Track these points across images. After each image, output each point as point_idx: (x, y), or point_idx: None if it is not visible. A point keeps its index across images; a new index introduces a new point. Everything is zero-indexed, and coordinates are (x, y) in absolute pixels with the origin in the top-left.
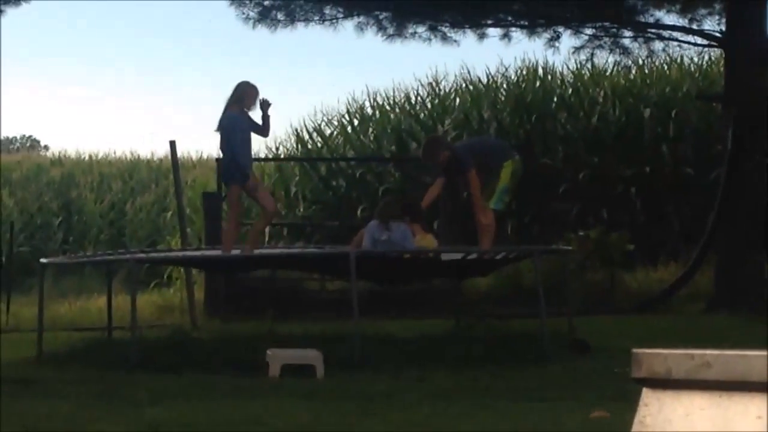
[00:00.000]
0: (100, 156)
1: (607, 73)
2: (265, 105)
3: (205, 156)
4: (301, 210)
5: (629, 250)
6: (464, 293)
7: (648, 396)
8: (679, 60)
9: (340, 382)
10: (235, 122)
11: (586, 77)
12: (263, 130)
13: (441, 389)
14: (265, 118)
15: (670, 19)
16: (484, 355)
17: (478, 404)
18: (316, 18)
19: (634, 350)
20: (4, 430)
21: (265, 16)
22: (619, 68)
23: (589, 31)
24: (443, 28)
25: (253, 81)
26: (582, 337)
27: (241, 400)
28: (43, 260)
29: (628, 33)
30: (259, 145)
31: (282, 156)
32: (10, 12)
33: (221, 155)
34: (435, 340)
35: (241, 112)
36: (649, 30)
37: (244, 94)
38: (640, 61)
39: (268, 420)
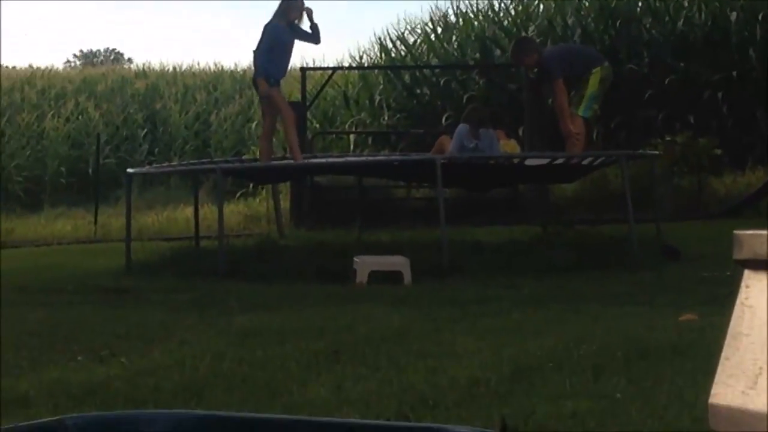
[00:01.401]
0: (183, 67)
1: None
2: (309, 13)
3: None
4: (386, 118)
5: (717, 155)
6: (551, 200)
7: (750, 278)
8: None
9: (428, 288)
10: (273, 32)
11: None
12: (314, 37)
13: (530, 295)
14: (314, 26)
15: None
16: (572, 261)
17: (569, 309)
18: None
19: (736, 232)
20: (95, 337)
21: None
22: None
23: None
24: None
25: None
26: (671, 242)
27: (329, 307)
28: (129, 170)
29: None
30: (343, 54)
31: (366, 65)
32: None
33: None
34: (523, 246)
35: (286, 24)
36: None
37: (287, 8)
38: None
39: (357, 326)
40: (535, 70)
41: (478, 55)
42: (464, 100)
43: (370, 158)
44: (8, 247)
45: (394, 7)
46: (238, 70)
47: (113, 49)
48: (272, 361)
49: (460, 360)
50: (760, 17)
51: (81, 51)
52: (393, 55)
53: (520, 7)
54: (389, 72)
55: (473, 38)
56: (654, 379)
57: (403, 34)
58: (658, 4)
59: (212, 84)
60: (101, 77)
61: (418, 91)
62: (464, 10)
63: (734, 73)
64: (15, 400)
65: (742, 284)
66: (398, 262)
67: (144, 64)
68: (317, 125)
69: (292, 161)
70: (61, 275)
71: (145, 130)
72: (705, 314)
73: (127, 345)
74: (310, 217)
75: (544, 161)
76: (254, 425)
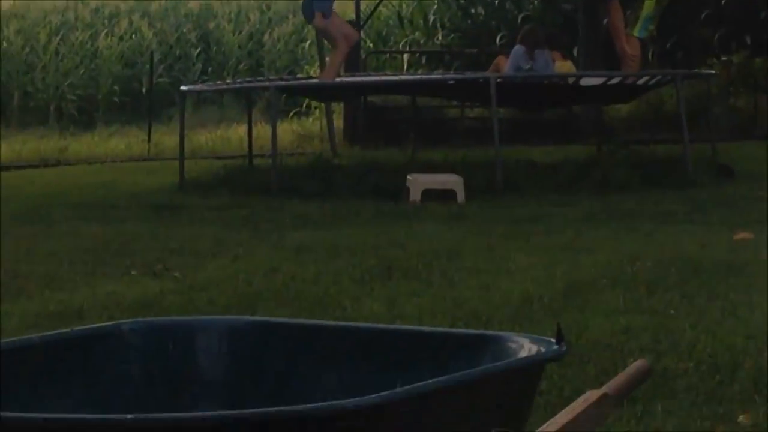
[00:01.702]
0: None
1: None
2: None
3: None
4: (440, 38)
5: None
6: (606, 120)
7: None
8: None
9: (481, 207)
10: None
11: None
12: None
13: (584, 213)
14: None
15: None
16: (627, 179)
17: (623, 227)
18: None
19: None
20: (149, 252)
21: None
22: None
23: None
24: None
25: None
26: (725, 162)
27: (382, 224)
28: (183, 87)
29: None
30: None
31: None
32: None
33: None
34: (578, 165)
35: None
36: None
37: None
38: None
39: (410, 243)
40: None
41: None
42: (519, 20)
43: (425, 77)
44: (62, 165)
45: None
46: None
47: None
48: (325, 276)
49: (513, 276)
50: None
51: None
52: None
53: None
54: None
55: None
56: (708, 296)
57: None
58: None
59: (266, 4)
60: None
61: (473, 10)
62: None
63: None
64: (70, 313)
65: None
66: (451, 181)
67: None
68: (371, 45)
69: (346, 79)
70: (114, 192)
71: (199, 49)
72: (759, 232)
73: (180, 260)
74: (364, 136)
75: (600, 81)
76: (307, 331)
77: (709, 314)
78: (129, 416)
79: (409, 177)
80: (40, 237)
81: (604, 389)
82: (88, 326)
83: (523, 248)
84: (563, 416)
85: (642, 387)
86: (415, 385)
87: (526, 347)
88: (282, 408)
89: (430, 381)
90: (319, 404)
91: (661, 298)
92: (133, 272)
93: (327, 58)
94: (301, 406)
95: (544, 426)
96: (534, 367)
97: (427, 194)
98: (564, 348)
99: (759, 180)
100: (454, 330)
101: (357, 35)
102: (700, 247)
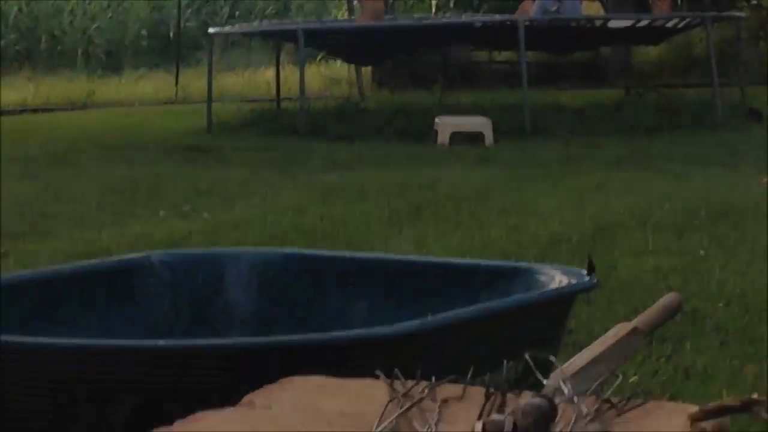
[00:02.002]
0: None
1: None
2: None
3: None
4: None
5: None
6: (634, 64)
7: None
8: None
9: (510, 149)
10: None
11: None
12: None
13: (614, 155)
14: None
15: None
16: (656, 123)
17: (652, 170)
18: None
19: None
20: (177, 193)
21: None
22: None
23: None
24: None
25: None
26: (755, 106)
27: (411, 166)
28: (211, 30)
29: None
30: None
31: None
32: None
33: None
34: (606, 108)
35: None
36: None
37: None
38: None
39: (439, 185)
40: None
41: None
42: None
43: (453, 20)
44: (90, 109)
45: None
46: None
47: None
48: (354, 217)
49: (542, 218)
50: None
51: None
52: None
53: None
54: None
55: None
56: (737, 238)
57: None
58: None
59: None
60: None
61: None
62: None
63: None
64: (98, 253)
65: None
66: (480, 123)
67: None
68: None
69: (374, 23)
70: (142, 135)
71: None
72: None
73: (208, 201)
74: (392, 79)
75: (628, 23)
76: (337, 262)
77: (738, 255)
78: (161, 342)
79: (437, 120)
80: (69, 179)
81: (634, 323)
82: (118, 257)
83: (552, 190)
84: (592, 349)
85: (671, 326)
86: (447, 313)
87: (557, 278)
88: (313, 335)
89: (461, 310)
90: (351, 331)
91: (690, 240)
92: (161, 213)
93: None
94: (333, 333)
95: (574, 358)
96: (565, 298)
97: (456, 137)
98: (595, 280)
99: None
100: (484, 261)
101: None
102: (729, 190)
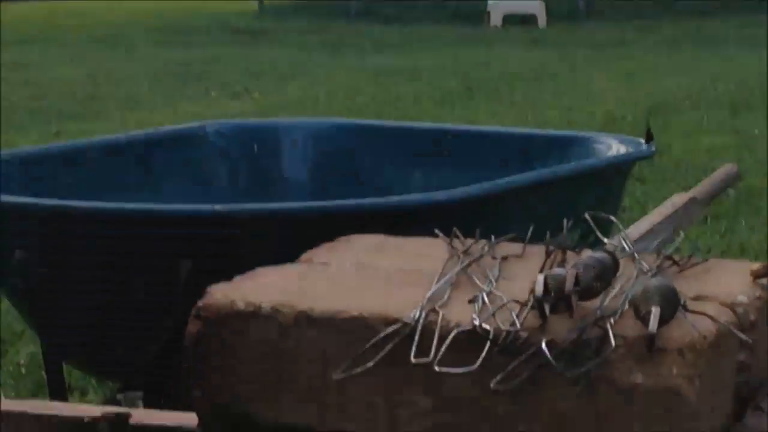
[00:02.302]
0: None
1: None
2: None
3: None
4: None
5: None
6: None
7: None
8: None
9: (563, 31)
10: None
11: None
12: None
13: (667, 38)
14: None
15: None
16: (708, 4)
17: (706, 51)
18: None
19: None
20: (229, 74)
21: None
22: None
23: None
24: None
25: None
26: None
27: (463, 48)
28: None
29: None
30: None
31: None
32: None
33: None
34: None
35: None
36: None
37: None
38: None
39: (492, 66)
40: None
41: None
42: None
43: None
44: None
45: None
46: None
47: None
48: (405, 97)
49: (596, 98)
50: None
51: None
52: None
53: None
54: None
55: None
56: None
57: None
58: None
59: None
60: None
61: None
62: None
63: None
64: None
65: None
66: (533, 5)
67: None
68: None
69: None
70: (195, 17)
71: None
72: None
73: (260, 82)
74: None
75: None
76: (394, 132)
77: None
78: (217, 206)
79: (490, 2)
80: (120, 61)
81: (692, 193)
82: (173, 126)
83: (606, 72)
84: (651, 218)
85: (726, 204)
86: (505, 179)
87: (615, 147)
88: (372, 199)
89: (519, 176)
90: (410, 196)
91: (745, 119)
92: (213, 94)
93: None
94: (392, 197)
95: (631, 227)
96: (623, 164)
97: (508, 19)
98: (653, 148)
99: None
100: (541, 130)
101: None
102: None
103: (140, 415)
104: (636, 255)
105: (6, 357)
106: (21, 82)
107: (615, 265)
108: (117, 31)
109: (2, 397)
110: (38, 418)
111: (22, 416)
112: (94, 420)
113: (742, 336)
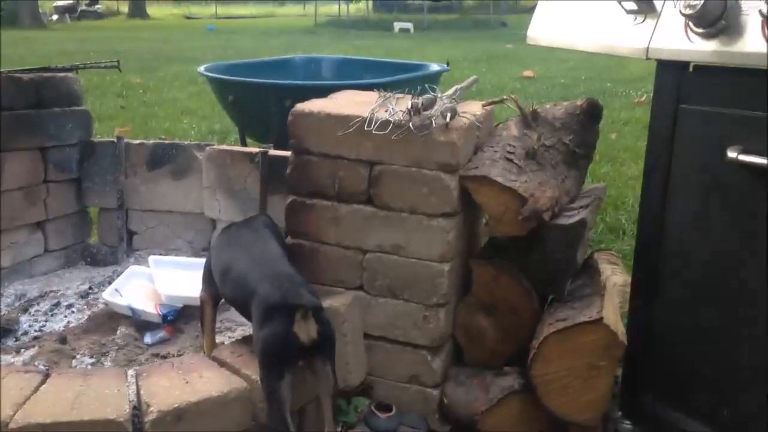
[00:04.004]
0: None
1: None
2: None
3: None
4: None
5: None
6: None
7: None
8: None
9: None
10: None
11: None
12: None
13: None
14: None
15: None
16: None
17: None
18: None
19: None
20: None
21: None
22: None
23: None
24: None
25: None
26: None
27: None
28: None
29: None
30: None
31: None
32: None
33: None
34: None
35: None
36: None
37: None
38: None
39: None
40: None
41: None
42: None
43: None
44: None
45: None
46: None
47: None
48: None
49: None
50: None
51: None
52: None
53: None
54: None
55: None
56: None
57: None
58: None
59: None
60: None
61: None
62: None
63: None
64: None
65: None
66: None
67: None
68: None
69: None
70: None
71: None
72: None
73: None
74: None
75: None
76: (371, 63)
77: None
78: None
79: None
80: None
81: (467, 82)
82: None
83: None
84: (451, 89)
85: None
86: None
87: (435, 67)
88: (367, 80)
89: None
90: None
91: None
92: None
93: None
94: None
95: (446, 92)
96: (437, 74)
97: None
98: (448, 67)
99: None
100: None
101: None
102: None
103: None
104: (440, 95)
105: None
106: None
107: (435, 99)
108: None
109: None
110: None
111: None
112: None
113: (479, 124)
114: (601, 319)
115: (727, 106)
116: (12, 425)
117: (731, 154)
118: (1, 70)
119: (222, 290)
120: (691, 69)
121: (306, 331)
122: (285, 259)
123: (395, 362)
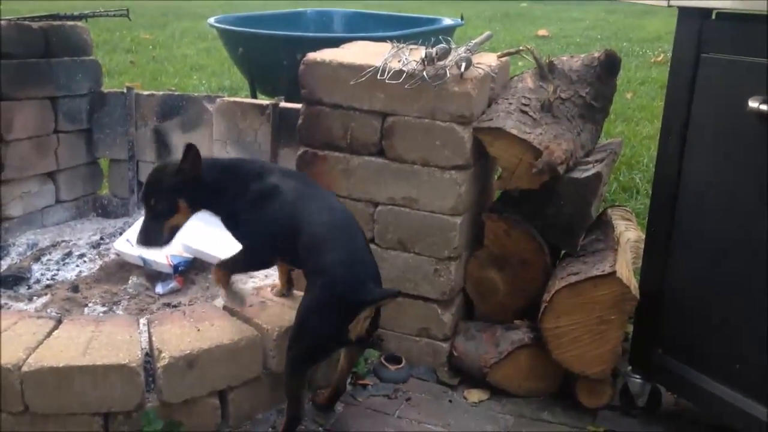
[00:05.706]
0: None
1: None
2: None
3: None
4: None
5: None
6: None
7: None
8: None
9: None
10: None
11: None
12: None
13: None
14: None
15: None
16: None
17: None
18: None
19: None
20: None
21: None
22: None
23: None
24: None
25: None
26: None
27: None
28: None
29: None
30: None
31: None
32: None
33: None
34: None
35: None
36: None
37: None
38: None
39: None
40: None
41: None
42: None
43: None
44: None
45: None
46: None
47: None
48: None
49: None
50: None
51: None
52: None
53: None
54: None
55: None
56: None
57: None
58: None
59: None
60: None
61: None
62: None
63: None
64: None
65: None
66: None
67: None
68: None
69: None
70: None
71: None
72: None
73: None
74: None
75: None
76: (377, 17)
77: None
78: None
79: None
80: None
81: (482, 37)
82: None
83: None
84: (468, 44)
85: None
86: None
87: (449, 21)
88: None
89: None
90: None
91: None
92: None
93: None
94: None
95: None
96: (451, 27)
97: None
98: (463, 22)
99: None
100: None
101: None
102: None
103: None
104: (454, 46)
105: None
106: None
107: (450, 50)
108: None
109: None
110: None
111: None
112: None
113: (494, 75)
114: (614, 273)
115: (750, 54)
116: (25, 368)
117: (752, 104)
118: (11, 18)
119: (282, 245)
120: (713, 16)
121: (360, 328)
122: (366, 242)
123: (405, 315)
